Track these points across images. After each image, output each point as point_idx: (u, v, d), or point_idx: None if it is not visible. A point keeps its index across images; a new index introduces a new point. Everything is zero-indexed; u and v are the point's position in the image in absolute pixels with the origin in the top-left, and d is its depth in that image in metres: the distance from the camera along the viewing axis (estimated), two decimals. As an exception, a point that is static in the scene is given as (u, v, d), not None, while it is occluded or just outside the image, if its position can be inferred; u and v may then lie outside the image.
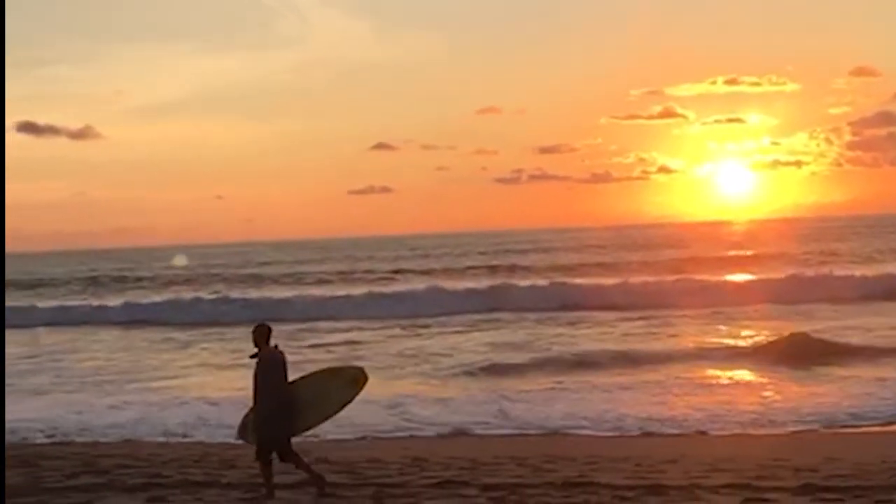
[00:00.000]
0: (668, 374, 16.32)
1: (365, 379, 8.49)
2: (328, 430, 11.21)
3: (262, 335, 8.25)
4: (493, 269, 49.38)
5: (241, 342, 24.13)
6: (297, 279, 49.75)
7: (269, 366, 8.17)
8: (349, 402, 8.47)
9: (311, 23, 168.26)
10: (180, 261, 47.61)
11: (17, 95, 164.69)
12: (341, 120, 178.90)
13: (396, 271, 51.67)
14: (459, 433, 12.95)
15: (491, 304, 30.22)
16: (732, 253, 53.63)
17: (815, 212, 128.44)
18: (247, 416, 8.44)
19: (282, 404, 8.17)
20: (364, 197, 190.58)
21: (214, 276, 55.26)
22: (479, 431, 13.01)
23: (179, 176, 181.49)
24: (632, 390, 14.97)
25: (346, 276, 49.99)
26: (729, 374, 16.40)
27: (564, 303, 29.65)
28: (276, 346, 8.27)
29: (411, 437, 12.73)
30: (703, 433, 12.35)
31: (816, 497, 8.08)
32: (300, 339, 24.25)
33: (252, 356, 8.25)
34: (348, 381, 8.51)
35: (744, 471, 9.25)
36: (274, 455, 8.35)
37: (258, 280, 50.57)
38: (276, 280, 49.73)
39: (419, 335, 24.64)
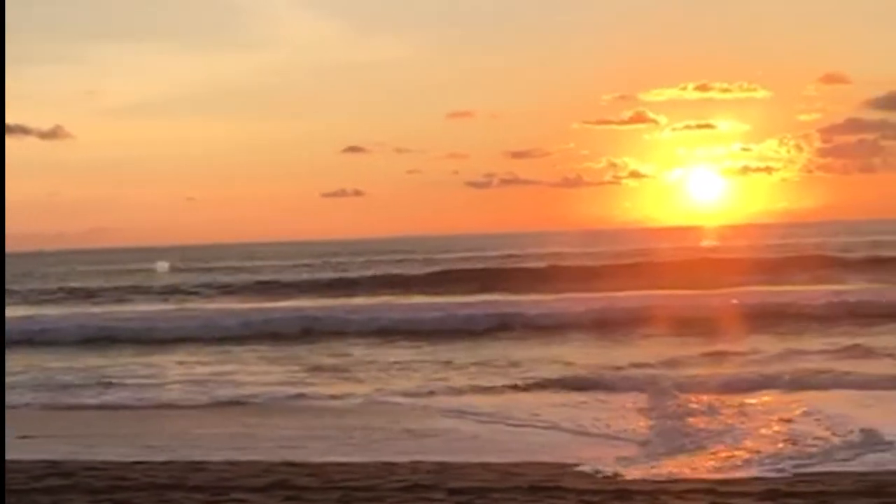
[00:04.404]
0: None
1: None
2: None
3: None
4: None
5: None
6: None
7: None
8: None
9: (285, 24, 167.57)
10: (162, 268, 45.68)
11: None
12: (314, 122, 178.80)
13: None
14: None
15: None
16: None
17: (785, 218, 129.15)
18: None
19: None
20: (336, 199, 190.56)
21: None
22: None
23: (151, 177, 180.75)
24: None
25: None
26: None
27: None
28: None
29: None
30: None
31: (780, 503, 8.17)
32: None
33: None
34: None
35: (708, 475, 9.35)
36: None
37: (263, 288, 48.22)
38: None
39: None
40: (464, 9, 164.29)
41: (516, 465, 10.36)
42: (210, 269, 67.18)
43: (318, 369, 19.82)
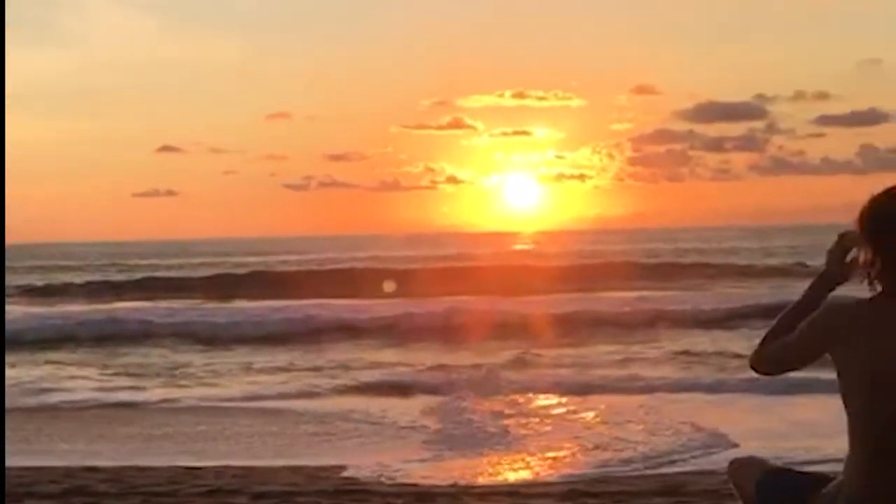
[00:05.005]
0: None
1: None
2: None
3: None
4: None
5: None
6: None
7: None
8: None
9: (97, 20, 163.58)
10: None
11: None
12: (126, 120, 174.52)
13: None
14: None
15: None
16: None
17: (597, 225, 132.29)
18: None
19: None
20: (149, 199, 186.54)
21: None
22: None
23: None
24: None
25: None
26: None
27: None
28: None
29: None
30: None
31: (580, 502, 8.36)
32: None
33: None
34: None
35: (511, 478, 9.54)
36: None
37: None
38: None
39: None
40: (283, 10, 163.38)
41: (324, 468, 10.38)
42: (15, 269, 65.03)
43: (129, 373, 19.42)
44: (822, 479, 3.55)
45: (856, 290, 3.48)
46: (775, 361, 3.54)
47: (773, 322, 3.56)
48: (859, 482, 3.31)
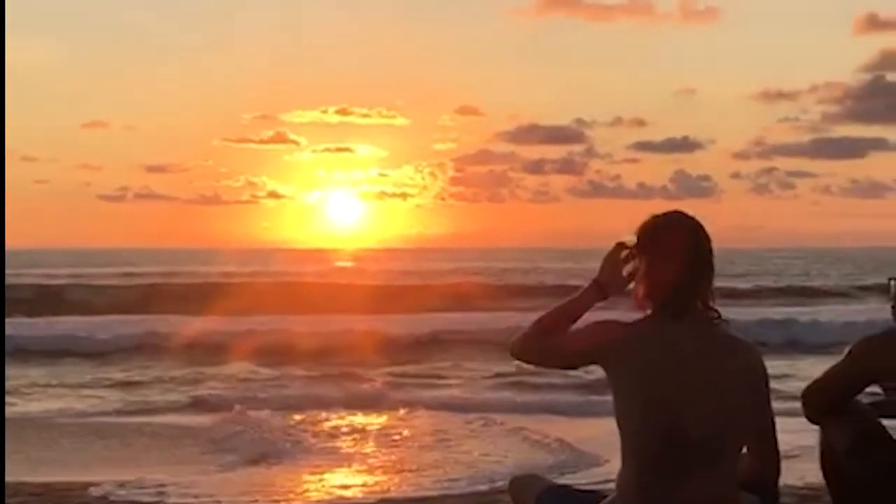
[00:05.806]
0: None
1: None
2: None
3: None
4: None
5: None
6: None
7: None
8: None
9: None
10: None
11: None
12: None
13: None
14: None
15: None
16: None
17: (419, 243, 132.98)
18: None
19: None
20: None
21: None
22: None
23: None
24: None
25: None
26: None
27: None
28: None
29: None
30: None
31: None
32: None
33: None
34: None
35: (315, 494, 9.52)
36: None
37: None
38: None
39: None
40: (101, 16, 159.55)
41: (122, 483, 10.16)
42: None
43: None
44: (599, 496, 3.61)
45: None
46: (538, 358, 3.53)
47: (542, 315, 3.50)
48: (633, 499, 3.37)
